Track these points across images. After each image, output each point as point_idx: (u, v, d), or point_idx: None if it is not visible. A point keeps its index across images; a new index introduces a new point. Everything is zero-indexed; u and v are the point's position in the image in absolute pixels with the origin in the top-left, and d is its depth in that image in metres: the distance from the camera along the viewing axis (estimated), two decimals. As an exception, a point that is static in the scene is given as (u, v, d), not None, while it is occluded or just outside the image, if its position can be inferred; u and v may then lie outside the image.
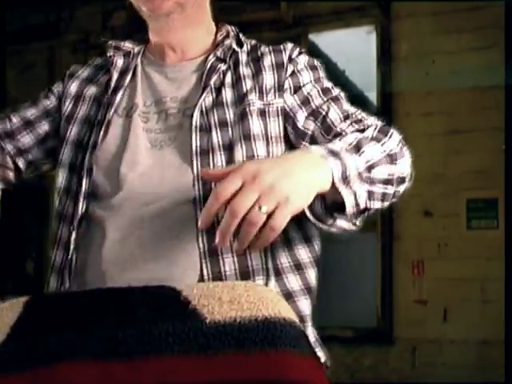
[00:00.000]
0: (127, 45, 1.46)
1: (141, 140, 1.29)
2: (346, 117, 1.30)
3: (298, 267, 1.26)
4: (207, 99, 1.31)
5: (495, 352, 3.82)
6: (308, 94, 1.34)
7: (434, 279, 4.08)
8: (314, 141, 1.28)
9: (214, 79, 1.33)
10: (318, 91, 1.35)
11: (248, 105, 1.29)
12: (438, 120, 4.15)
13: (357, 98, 8.63)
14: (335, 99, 1.34)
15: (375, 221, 4.29)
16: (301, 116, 1.31)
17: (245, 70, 1.36)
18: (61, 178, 1.34)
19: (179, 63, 1.40)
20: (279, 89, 1.33)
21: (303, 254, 1.28)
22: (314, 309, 1.31)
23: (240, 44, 1.42)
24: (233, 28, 1.47)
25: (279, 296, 0.96)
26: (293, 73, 1.36)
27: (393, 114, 4.24)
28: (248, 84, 1.33)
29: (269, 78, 1.34)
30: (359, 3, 4.41)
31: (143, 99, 1.36)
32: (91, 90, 1.41)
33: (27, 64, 5.29)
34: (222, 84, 1.33)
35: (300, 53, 1.41)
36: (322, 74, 1.41)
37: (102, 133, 1.31)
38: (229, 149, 1.25)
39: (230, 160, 1.24)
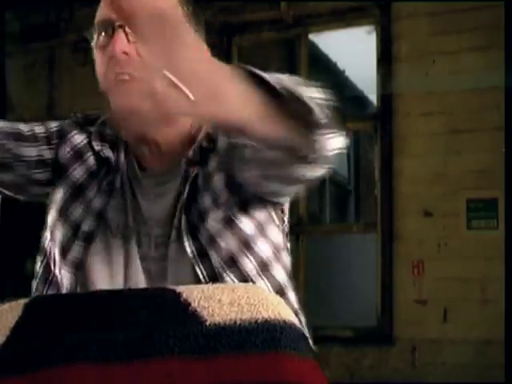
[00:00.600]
0: (109, 132, 1.33)
1: (139, 274, 1.22)
2: None
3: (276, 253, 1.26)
4: (190, 215, 1.21)
5: (495, 352, 3.82)
6: None
7: (434, 279, 4.08)
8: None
9: (186, 190, 1.23)
10: None
11: (229, 208, 1.22)
12: (438, 120, 4.15)
13: (357, 98, 8.68)
14: None
15: (375, 221, 4.30)
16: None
17: (214, 168, 1.26)
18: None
19: (159, 171, 1.28)
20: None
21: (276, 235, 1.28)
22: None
23: (213, 137, 1.27)
24: None
25: (279, 298, 0.96)
26: None
27: (393, 114, 4.24)
28: (219, 183, 1.23)
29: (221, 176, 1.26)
30: (359, 3, 4.41)
31: (133, 213, 1.26)
32: (90, 193, 1.29)
33: (27, 64, 5.30)
34: (197, 189, 1.24)
35: None
36: None
37: (96, 256, 1.23)
38: (234, 265, 1.19)
39: (241, 275, 1.19)
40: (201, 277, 1.16)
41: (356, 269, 7.54)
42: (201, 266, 1.17)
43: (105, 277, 1.23)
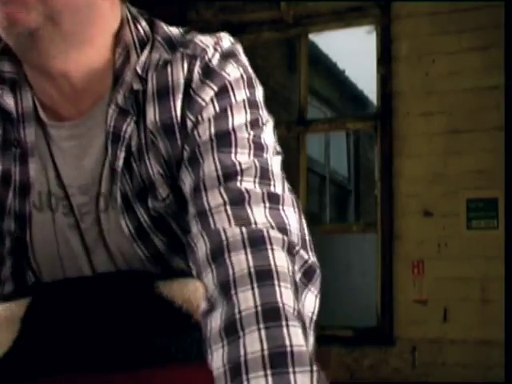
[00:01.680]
0: (7, 69, 1.00)
1: (76, 247, 1.03)
2: (227, 177, 0.89)
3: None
4: (124, 187, 0.98)
5: (495, 352, 3.82)
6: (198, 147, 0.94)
7: (434, 279, 4.08)
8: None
9: (121, 157, 0.97)
10: (211, 134, 0.93)
11: (164, 205, 0.99)
12: (438, 120, 4.15)
13: (357, 98, 8.68)
14: (226, 144, 0.92)
15: (375, 221, 4.30)
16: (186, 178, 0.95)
17: (148, 134, 0.97)
18: None
19: (73, 118, 0.99)
20: (178, 165, 0.96)
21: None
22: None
23: (143, 74, 0.96)
24: (135, 34, 0.99)
25: None
26: (187, 136, 0.95)
27: (393, 113, 4.25)
28: (154, 166, 0.97)
29: (165, 152, 0.97)
30: (359, 3, 4.41)
31: (52, 176, 1.01)
32: None
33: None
34: (132, 155, 0.98)
35: (202, 83, 0.94)
36: (233, 99, 0.95)
37: (28, 242, 1.03)
38: (182, 249, 0.98)
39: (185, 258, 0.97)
40: (143, 258, 1.00)
41: (356, 269, 7.55)
42: (142, 247, 0.99)
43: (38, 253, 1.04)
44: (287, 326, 0.75)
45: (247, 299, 0.77)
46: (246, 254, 0.81)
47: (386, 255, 4.19)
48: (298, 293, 0.80)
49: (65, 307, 0.96)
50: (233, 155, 0.90)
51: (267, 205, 0.87)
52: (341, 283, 7.12)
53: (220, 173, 0.89)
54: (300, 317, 0.77)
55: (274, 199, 0.88)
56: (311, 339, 0.81)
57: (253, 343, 0.74)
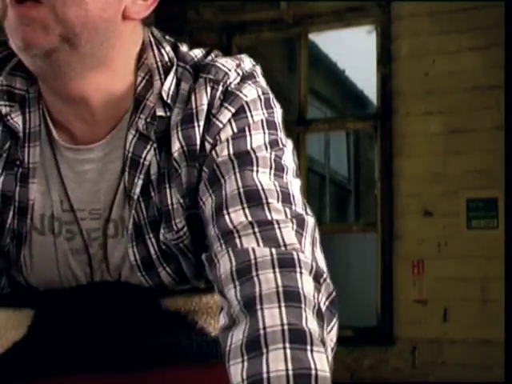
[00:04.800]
0: (19, 86, 0.97)
1: (76, 272, 0.99)
2: (250, 197, 0.86)
3: None
4: (138, 215, 0.95)
5: (495, 352, 3.82)
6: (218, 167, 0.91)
7: (434, 279, 4.08)
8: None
9: (139, 184, 0.94)
10: (230, 154, 0.90)
11: (180, 238, 0.96)
12: (438, 120, 4.15)
13: (357, 98, 8.67)
14: (247, 163, 0.89)
15: (375, 221, 4.30)
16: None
17: (172, 163, 0.94)
18: None
19: (90, 139, 0.96)
20: (197, 190, 0.94)
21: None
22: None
23: (168, 101, 0.94)
24: (159, 59, 0.97)
25: None
26: (206, 158, 0.93)
27: (393, 113, 4.25)
28: (174, 195, 0.95)
29: (187, 180, 0.94)
30: (359, 3, 4.42)
31: (60, 198, 0.98)
32: None
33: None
34: (150, 183, 0.95)
35: (221, 106, 0.93)
36: (251, 119, 0.93)
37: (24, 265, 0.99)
38: (185, 281, 0.99)
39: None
40: (146, 285, 0.98)
41: (356, 269, 7.54)
42: (146, 277, 0.97)
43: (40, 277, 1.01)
44: (312, 350, 0.72)
45: (274, 316, 0.74)
46: (274, 273, 0.78)
47: (386, 255, 4.19)
48: (321, 321, 0.78)
49: (71, 313, 0.97)
50: (254, 174, 0.88)
51: (295, 227, 0.85)
52: (341, 283, 7.12)
53: (242, 191, 0.86)
54: (323, 345, 0.75)
55: (300, 223, 0.86)
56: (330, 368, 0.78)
57: (277, 361, 0.71)
